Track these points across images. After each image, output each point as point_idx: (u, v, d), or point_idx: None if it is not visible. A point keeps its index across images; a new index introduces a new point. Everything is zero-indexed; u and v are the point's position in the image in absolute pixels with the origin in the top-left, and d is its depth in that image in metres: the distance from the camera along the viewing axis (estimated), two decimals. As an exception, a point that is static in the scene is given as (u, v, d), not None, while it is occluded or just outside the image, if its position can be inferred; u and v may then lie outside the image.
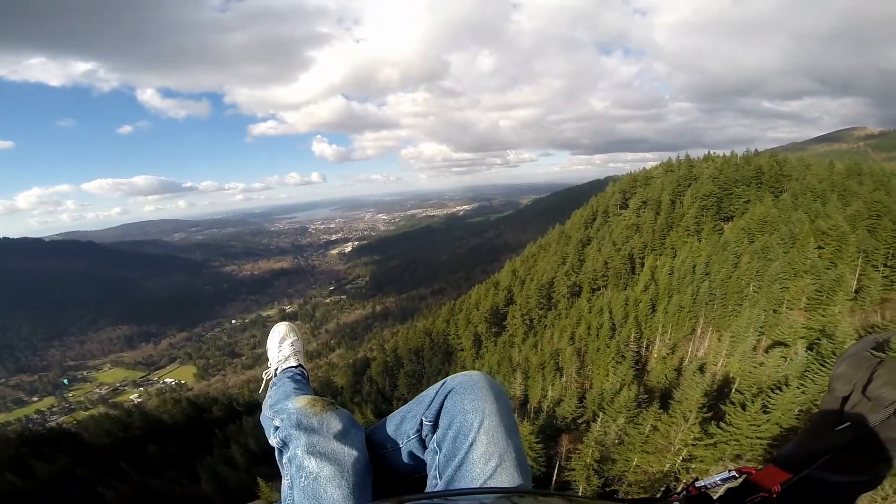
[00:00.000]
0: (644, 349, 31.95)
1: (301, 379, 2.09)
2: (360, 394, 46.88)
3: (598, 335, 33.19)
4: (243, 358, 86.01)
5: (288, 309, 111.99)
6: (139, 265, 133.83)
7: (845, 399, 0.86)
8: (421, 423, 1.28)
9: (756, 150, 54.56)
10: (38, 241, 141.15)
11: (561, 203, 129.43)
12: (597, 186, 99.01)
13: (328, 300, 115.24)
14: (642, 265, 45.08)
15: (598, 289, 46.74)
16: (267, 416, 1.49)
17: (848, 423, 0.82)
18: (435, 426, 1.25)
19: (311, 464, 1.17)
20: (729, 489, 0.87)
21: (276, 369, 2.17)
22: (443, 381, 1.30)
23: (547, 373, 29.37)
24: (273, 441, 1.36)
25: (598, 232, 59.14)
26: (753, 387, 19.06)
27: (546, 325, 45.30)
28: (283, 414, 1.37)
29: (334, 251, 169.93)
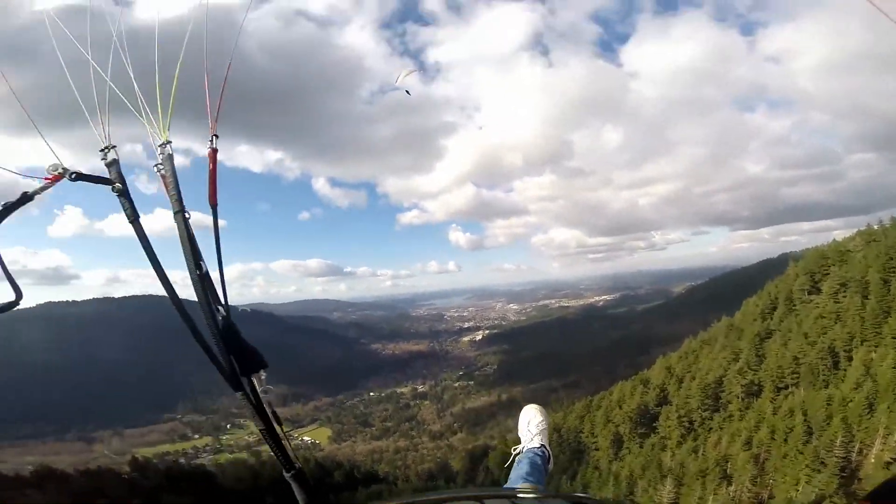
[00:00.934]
0: (855, 455, 23.29)
1: (540, 462, 2.35)
2: (474, 482, 43.05)
3: (786, 440, 25.17)
4: (373, 429, 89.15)
5: (420, 388, 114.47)
6: (304, 337, 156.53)
7: None
8: None
9: None
10: (234, 308, 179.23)
11: (724, 289, 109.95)
12: (770, 267, 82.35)
13: (456, 384, 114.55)
14: (849, 359, 34.36)
15: (786, 388, 36.97)
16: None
17: None
18: None
19: None
20: None
21: (524, 447, 2.48)
22: None
23: (709, 481, 22.61)
24: None
25: (780, 323, 48.43)
26: None
27: (711, 429, 37.10)
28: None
29: (466, 338, 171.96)
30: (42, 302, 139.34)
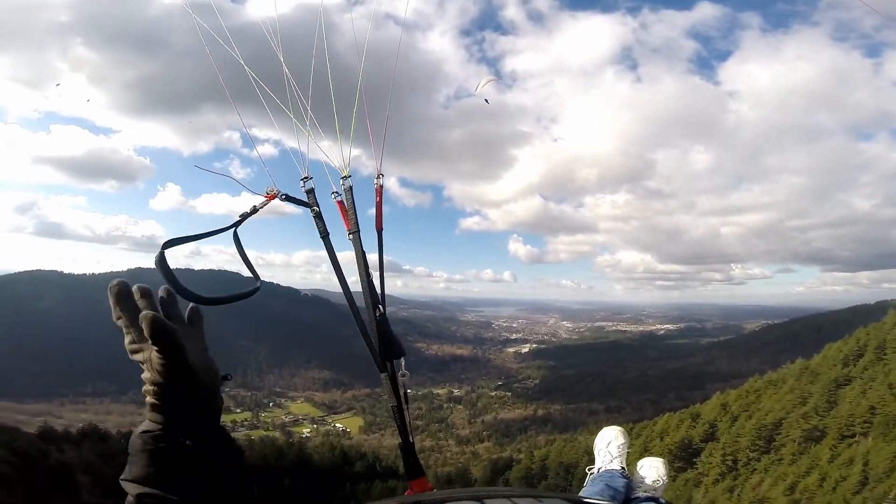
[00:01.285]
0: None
1: (617, 485, 2.29)
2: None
3: (834, 489, 21.73)
4: None
5: (456, 392, 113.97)
6: (353, 327, 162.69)
7: None
8: None
9: None
10: (296, 291, 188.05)
11: (804, 331, 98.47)
12: (863, 313, 72.00)
13: (493, 393, 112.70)
14: None
15: (853, 436, 32.30)
16: None
17: None
18: None
19: None
20: None
21: (600, 468, 2.48)
22: None
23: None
24: None
25: (864, 371, 42.33)
26: None
27: (755, 470, 33.63)
28: None
29: (511, 349, 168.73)
30: (133, 267, 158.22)
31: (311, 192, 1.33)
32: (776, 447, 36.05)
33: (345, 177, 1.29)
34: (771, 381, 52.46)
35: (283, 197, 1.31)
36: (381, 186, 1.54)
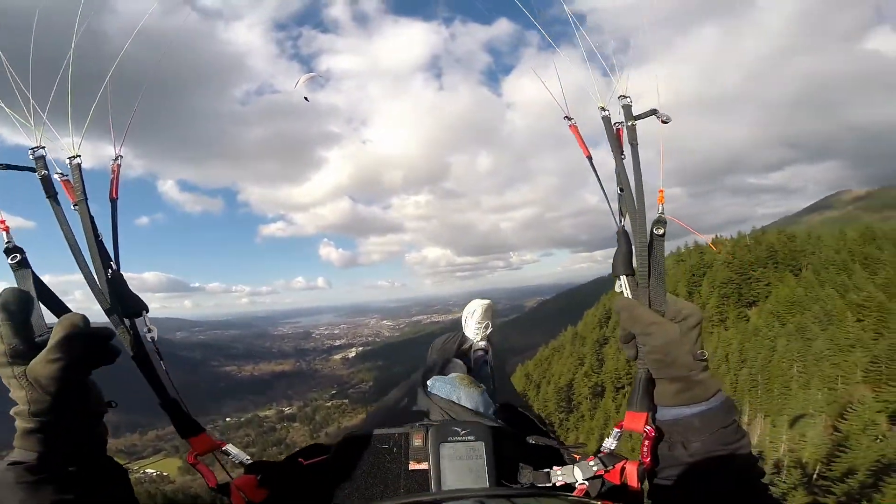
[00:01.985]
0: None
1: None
2: None
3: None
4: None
5: (287, 410, 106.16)
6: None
7: None
8: None
9: (757, 227, 53.72)
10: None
11: (568, 304, 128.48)
12: (602, 284, 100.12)
13: (329, 403, 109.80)
14: None
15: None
16: None
17: None
18: None
19: None
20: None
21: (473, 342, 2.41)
22: None
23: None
24: None
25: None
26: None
27: (568, 429, 43.14)
28: None
29: (338, 356, 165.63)
30: None
31: (40, 158, 1.11)
32: (575, 405, 46.85)
33: (72, 157, 1.12)
34: (555, 349, 66.60)
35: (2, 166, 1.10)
36: (119, 165, 1.34)
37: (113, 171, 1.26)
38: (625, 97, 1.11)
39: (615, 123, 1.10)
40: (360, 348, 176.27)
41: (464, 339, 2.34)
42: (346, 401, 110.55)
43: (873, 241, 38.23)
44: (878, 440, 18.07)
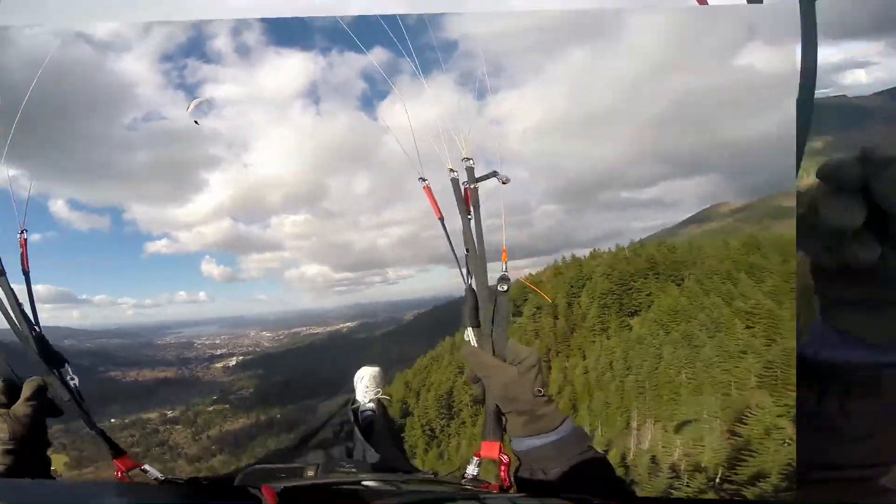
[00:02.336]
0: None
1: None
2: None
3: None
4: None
5: (170, 413, 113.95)
6: (26, 368, 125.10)
7: None
8: None
9: (635, 241, 70.64)
10: None
11: (446, 315, 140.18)
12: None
13: (211, 408, 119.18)
14: (549, 368, 56.88)
15: None
16: None
17: None
18: None
19: None
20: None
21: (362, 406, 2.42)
22: None
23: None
24: None
25: None
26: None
27: (450, 435, 58.68)
28: None
29: (219, 364, 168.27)
30: None
31: None
32: (456, 412, 64.28)
33: None
34: (434, 358, 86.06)
35: None
36: (26, 239, 1.64)
37: (21, 244, 1.32)
38: (467, 159, 1.18)
39: (463, 183, 1.14)
40: (241, 357, 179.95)
41: (354, 401, 2.56)
42: (228, 406, 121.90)
43: (758, 249, 41.21)
44: (786, 444, 16.84)
